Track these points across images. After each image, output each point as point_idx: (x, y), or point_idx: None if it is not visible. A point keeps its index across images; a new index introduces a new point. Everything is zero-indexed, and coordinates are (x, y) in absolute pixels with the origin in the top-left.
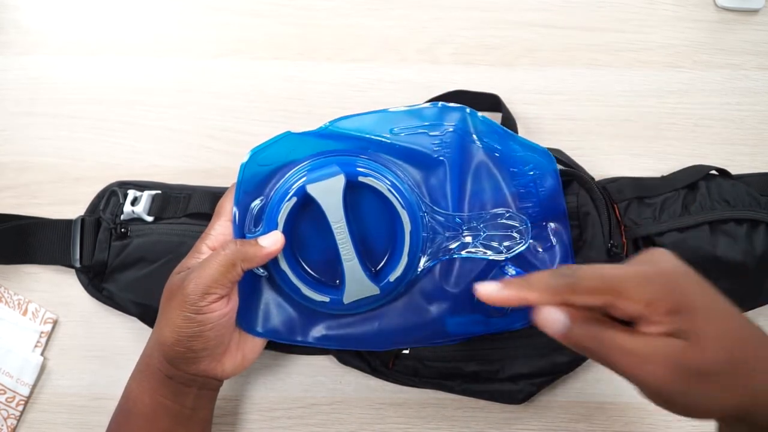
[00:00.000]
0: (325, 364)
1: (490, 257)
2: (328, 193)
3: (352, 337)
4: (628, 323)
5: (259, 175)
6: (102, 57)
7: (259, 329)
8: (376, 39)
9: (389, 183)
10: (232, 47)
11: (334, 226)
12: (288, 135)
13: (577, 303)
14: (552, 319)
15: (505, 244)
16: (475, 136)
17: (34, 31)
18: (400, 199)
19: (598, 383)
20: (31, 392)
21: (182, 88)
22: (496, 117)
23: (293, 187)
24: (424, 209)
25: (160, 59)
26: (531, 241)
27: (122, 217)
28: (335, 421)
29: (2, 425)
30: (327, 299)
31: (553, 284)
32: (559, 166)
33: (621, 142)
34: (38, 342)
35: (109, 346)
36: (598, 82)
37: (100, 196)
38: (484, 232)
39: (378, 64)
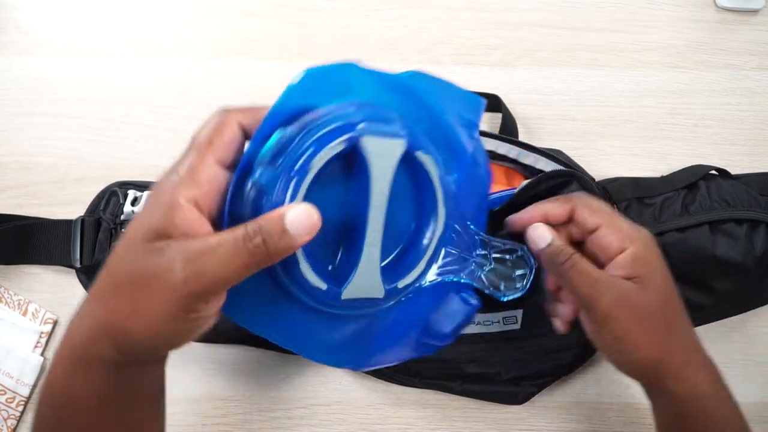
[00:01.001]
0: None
1: (492, 293)
2: (382, 156)
3: (319, 343)
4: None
5: (295, 108)
6: (102, 57)
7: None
8: (376, 39)
9: (443, 169)
10: (232, 47)
11: (373, 198)
12: (351, 66)
13: (579, 218)
14: (540, 233)
15: (504, 285)
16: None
17: (35, 31)
18: (444, 194)
19: (598, 383)
20: (32, 393)
21: (182, 88)
22: (496, 117)
23: (344, 130)
24: (455, 218)
25: (160, 59)
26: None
27: (122, 217)
28: (335, 422)
29: (2, 426)
30: (324, 286)
31: (568, 197)
32: (559, 166)
33: (621, 142)
34: (38, 342)
35: None
36: (598, 82)
37: (100, 197)
38: (490, 264)
39: (378, 64)
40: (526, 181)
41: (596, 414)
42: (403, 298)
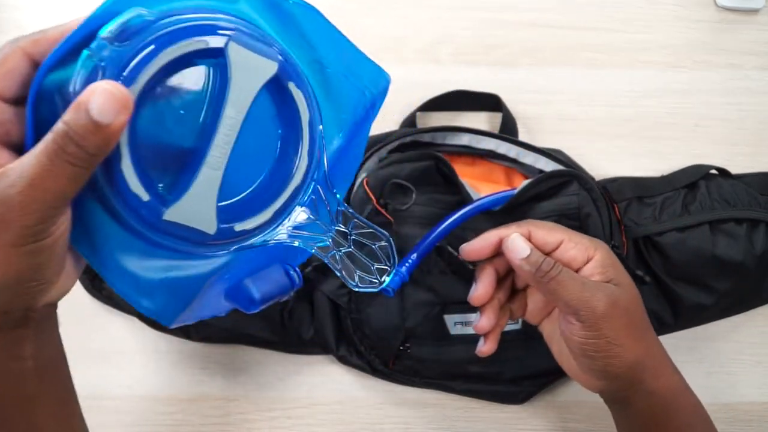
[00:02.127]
0: (325, 363)
1: (343, 279)
2: (248, 72)
3: (131, 275)
4: None
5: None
6: None
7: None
8: (376, 39)
9: (312, 114)
10: None
11: (226, 117)
12: None
13: (538, 239)
14: (518, 244)
15: (358, 275)
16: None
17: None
18: (310, 142)
19: None
20: None
21: None
22: (496, 117)
23: (211, 30)
24: (319, 177)
25: None
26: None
27: None
28: (335, 421)
29: None
30: (145, 197)
31: (520, 222)
32: (559, 166)
33: (621, 142)
34: None
35: (108, 346)
36: (598, 82)
37: None
38: (348, 245)
39: (378, 64)
40: (526, 181)
41: (596, 414)
42: (233, 249)
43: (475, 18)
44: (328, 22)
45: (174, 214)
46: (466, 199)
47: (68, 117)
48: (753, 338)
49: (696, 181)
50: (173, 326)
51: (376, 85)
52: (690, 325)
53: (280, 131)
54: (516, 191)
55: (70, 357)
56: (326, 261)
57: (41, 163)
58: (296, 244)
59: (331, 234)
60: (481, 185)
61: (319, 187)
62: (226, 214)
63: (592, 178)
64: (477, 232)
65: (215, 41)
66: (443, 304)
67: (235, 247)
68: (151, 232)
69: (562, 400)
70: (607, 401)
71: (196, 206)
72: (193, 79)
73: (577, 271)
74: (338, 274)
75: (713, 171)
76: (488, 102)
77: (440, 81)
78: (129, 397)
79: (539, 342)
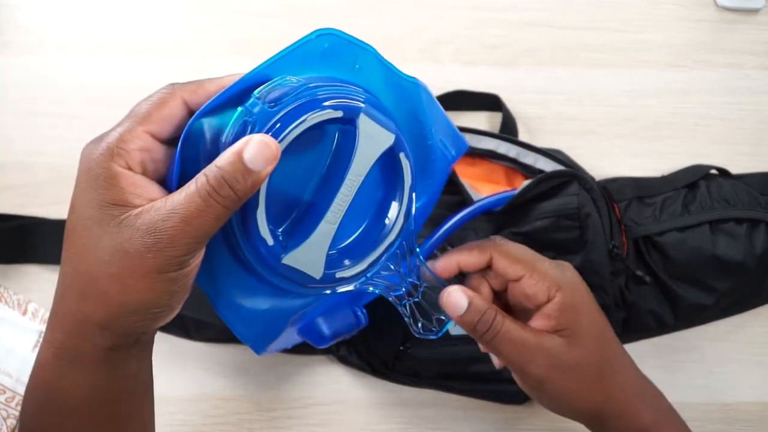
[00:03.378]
0: (325, 364)
1: (411, 326)
2: (372, 140)
3: (225, 298)
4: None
5: (308, 63)
6: (102, 57)
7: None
8: (376, 39)
9: (413, 180)
10: (232, 47)
11: (349, 179)
12: (368, 50)
13: (499, 269)
14: (454, 300)
15: (422, 323)
16: None
17: (34, 30)
18: (408, 205)
19: None
20: None
21: None
22: (496, 117)
23: (343, 100)
24: (407, 235)
25: (160, 59)
26: None
27: None
28: (335, 422)
29: (2, 425)
30: (270, 240)
31: (483, 246)
32: (559, 166)
33: (621, 142)
34: (38, 342)
35: None
36: (598, 82)
37: None
38: (417, 296)
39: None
40: (526, 182)
41: None
42: (326, 293)
43: (475, 18)
44: (432, 98)
45: (291, 259)
46: (466, 199)
47: (223, 162)
48: (753, 338)
49: (696, 181)
50: (262, 355)
51: (459, 151)
52: (690, 325)
53: (380, 193)
54: (516, 192)
55: None
56: (399, 309)
57: (195, 202)
58: (371, 290)
59: (407, 285)
60: (481, 185)
61: (404, 243)
62: (330, 263)
63: (592, 178)
64: (477, 232)
65: (350, 112)
66: None
67: (328, 291)
68: (266, 271)
69: None
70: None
71: (311, 254)
72: (323, 140)
73: (536, 308)
74: (406, 320)
75: (713, 171)
76: (488, 102)
77: (440, 81)
78: None
79: None
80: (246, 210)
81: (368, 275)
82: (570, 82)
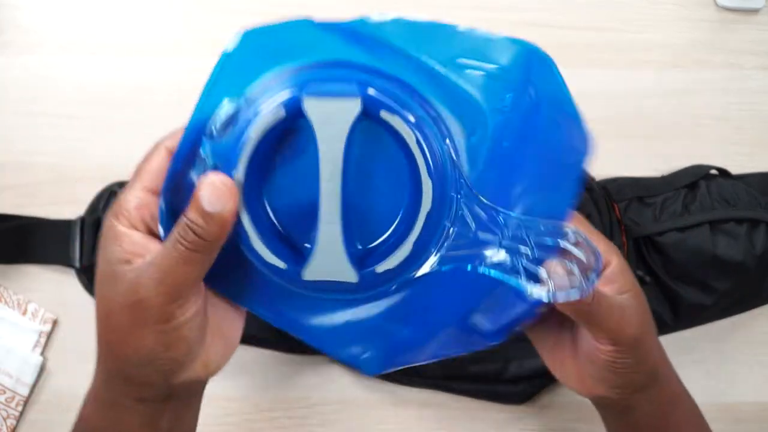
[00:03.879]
0: (326, 363)
1: (531, 292)
2: (331, 120)
3: (301, 326)
4: None
5: (243, 73)
6: (102, 56)
7: (238, 297)
8: None
9: (420, 134)
10: None
11: (323, 169)
12: (305, 23)
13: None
14: (560, 272)
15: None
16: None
17: (34, 30)
18: (429, 161)
19: None
20: (31, 392)
21: (182, 88)
22: None
23: (282, 95)
24: (459, 189)
25: (160, 59)
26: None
27: None
28: (335, 422)
29: (2, 425)
30: (282, 265)
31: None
32: None
33: (621, 142)
34: (38, 342)
35: None
36: (598, 81)
37: (100, 196)
38: (534, 252)
39: None
40: None
41: (596, 414)
42: (395, 288)
43: (475, 18)
44: (414, 21)
45: (311, 273)
46: None
47: (187, 210)
48: (753, 338)
49: (696, 181)
50: (375, 373)
51: (503, 54)
52: (690, 325)
53: (405, 166)
54: None
55: (72, 357)
56: (507, 278)
57: (168, 252)
58: (464, 266)
59: (496, 244)
60: None
61: (457, 195)
62: (366, 260)
63: (592, 178)
64: None
65: (288, 103)
66: None
67: (394, 287)
68: (304, 290)
69: (562, 400)
70: (605, 406)
71: (328, 261)
72: (297, 144)
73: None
74: (522, 290)
75: (713, 171)
76: None
77: None
78: None
79: None
80: (244, 244)
81: (425, 257)
82: (570, 82)
